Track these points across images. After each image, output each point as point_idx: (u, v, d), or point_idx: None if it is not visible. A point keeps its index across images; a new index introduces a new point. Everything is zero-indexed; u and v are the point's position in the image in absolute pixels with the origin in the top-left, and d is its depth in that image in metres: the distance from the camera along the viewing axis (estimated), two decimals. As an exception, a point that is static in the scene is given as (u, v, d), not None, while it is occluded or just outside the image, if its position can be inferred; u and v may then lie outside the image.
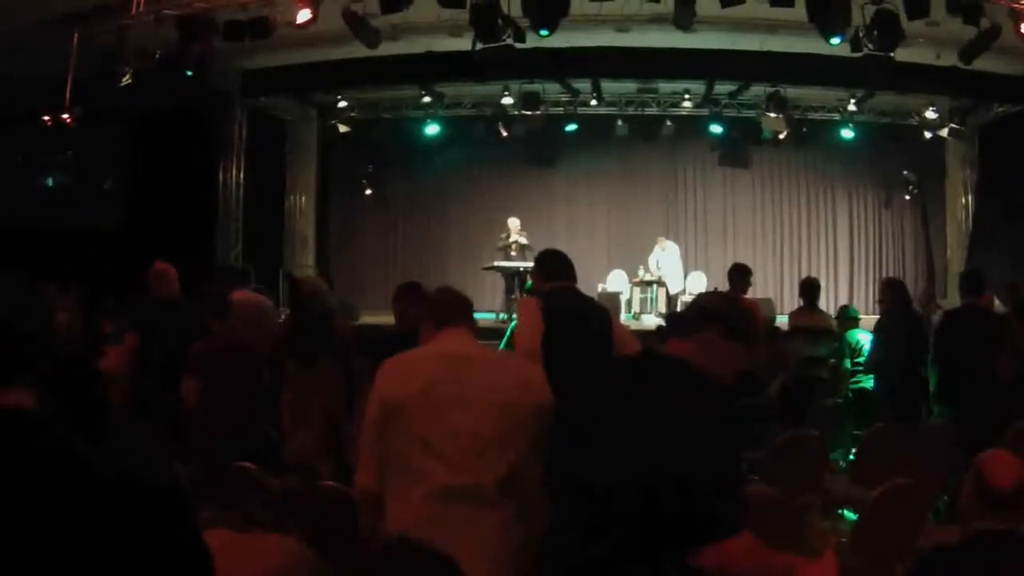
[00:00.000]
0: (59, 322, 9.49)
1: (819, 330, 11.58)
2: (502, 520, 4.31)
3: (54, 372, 2.20)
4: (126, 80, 15.37)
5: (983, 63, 14.82)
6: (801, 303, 12.26)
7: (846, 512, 7.93)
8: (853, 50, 13.71)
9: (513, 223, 20.86)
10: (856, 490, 7.74)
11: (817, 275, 22.54)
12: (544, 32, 13.35)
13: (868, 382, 11.42)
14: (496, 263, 20.16)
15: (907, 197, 23.06)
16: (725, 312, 3.84)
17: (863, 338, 11.80)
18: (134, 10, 14.43)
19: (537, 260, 7.48)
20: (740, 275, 12.11)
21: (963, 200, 21.38)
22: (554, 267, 7.18)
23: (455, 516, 4.25)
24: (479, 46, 13.84)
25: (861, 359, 11.50)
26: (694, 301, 4.22)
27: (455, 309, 4.97)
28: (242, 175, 20.51)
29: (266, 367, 8.08)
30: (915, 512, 6.33)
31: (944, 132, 20.60)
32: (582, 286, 8.96)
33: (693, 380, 3.69)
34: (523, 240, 20.69)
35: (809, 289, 12.17)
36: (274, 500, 5.04)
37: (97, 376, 8.00)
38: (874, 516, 6.12)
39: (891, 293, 10.79)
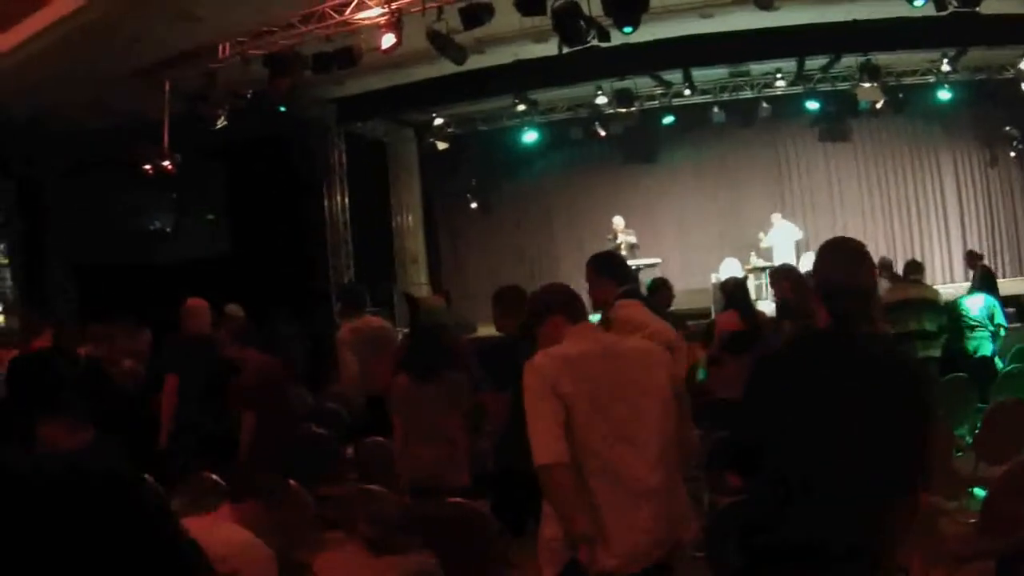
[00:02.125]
0: (124, 369, 9.96)
1: (920, 301, 11.36)
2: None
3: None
4: (221, 122, 15.66)
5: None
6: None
7: (975, 490, 7.74)
8: (938, 9, 13.42)
9: (618, 221, 20.83)
10: (983, 467, 7.59)
11: (929, 242, 22.34)
12: (628, 30, 13.28)
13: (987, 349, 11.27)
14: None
15: (1012, 154, 22.49)
16: None
17: (972, 303, 11.63)
18: (221, 54, 14.68)
19: (604, 265, 7.42)
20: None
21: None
22: (622, 270, 7.52)
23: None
24: (564, 50, 13.83)
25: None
26: None
27: (581, 304, 5.12)
28: (347, 199, 20.76)
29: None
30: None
31: (1043, 84, 20.12)
32: (696, 277, 9.21)
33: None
34: (631, 239, 20.66)
35: (909, 268, 12.01)
36: (401, 520, 5.13)
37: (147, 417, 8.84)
38: (1002, 494, 5.98)
39: None
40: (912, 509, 3.94)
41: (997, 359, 11.76)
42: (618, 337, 5.42)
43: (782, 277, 10.54)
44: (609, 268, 7.36)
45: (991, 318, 11.77)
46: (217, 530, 4.60)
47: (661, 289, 11.68)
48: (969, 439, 9.28)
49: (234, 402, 8.42)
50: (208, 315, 9.51)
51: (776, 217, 21.39)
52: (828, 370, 3.91)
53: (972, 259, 16.39)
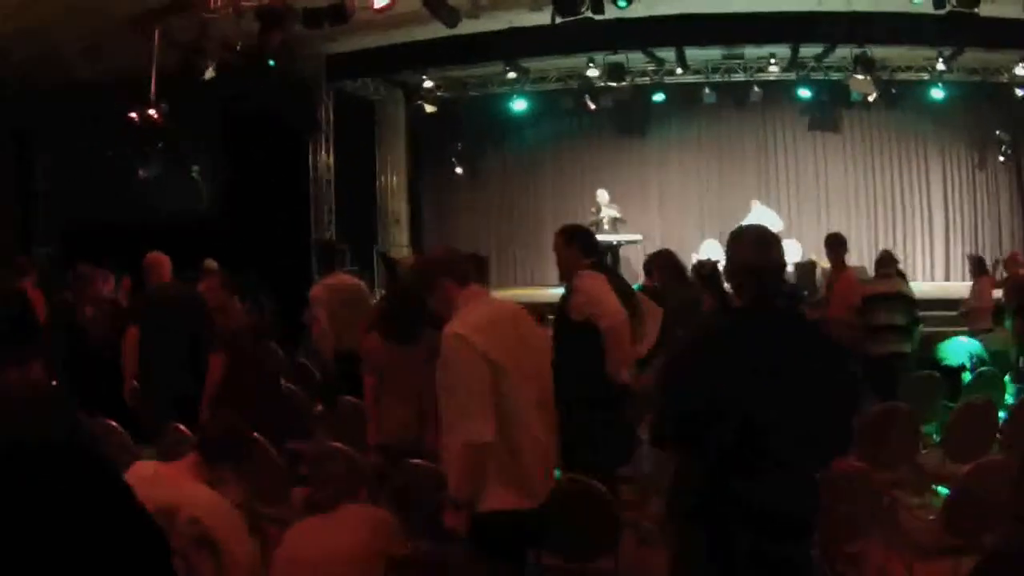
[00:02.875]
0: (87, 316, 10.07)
1: (894, 295, 11.39)
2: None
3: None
4: (209, 73, 15.58)
5: (1074, 14, 14.45)
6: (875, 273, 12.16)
7: (940, 488, 7.77)
8: (936, 7, 13.41)
9: (602, 196, 20.87)
10: (949, 465, 7.62)
11: (912, 239, 22.37)
12: (622, 3, 13.25)
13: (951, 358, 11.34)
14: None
15: (1000, 158, 22.48)
16: None
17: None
18: (212, 4, 14.57)
19: (574, 235, 7.62)
20: (836, 244, 12.07)
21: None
22: (592, 243, 7.74)
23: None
24: (558, 20, 13.78)
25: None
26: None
27: (466, 266, 5.34)
28: (331, 158, 20.67)
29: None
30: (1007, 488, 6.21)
31: (1035, 89, 20.13)
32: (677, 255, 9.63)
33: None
34: (614, 213, 20.73)
35: (882, 261, 12.03)
36: (364, 477, 5.15)
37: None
38: (966, 492, 6.01)
39: None
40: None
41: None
42: (506, 300, 5.77)
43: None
44: (578, 238, 7.53)
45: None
46: (184, 485, 4.60)
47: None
48: (937, 437, 9.32)
49: (210, 348, 8.48)
50: (169, 269, 9.49)
51: (755, 203, 21.41)
52: (759, 345, 4.15)
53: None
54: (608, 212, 20.78)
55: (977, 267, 14.90)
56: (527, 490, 4.97)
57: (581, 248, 7.44)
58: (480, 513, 4.85)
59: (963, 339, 12.01)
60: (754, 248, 4.34)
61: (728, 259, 4.45)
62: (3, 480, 2.48)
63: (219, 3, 14.56)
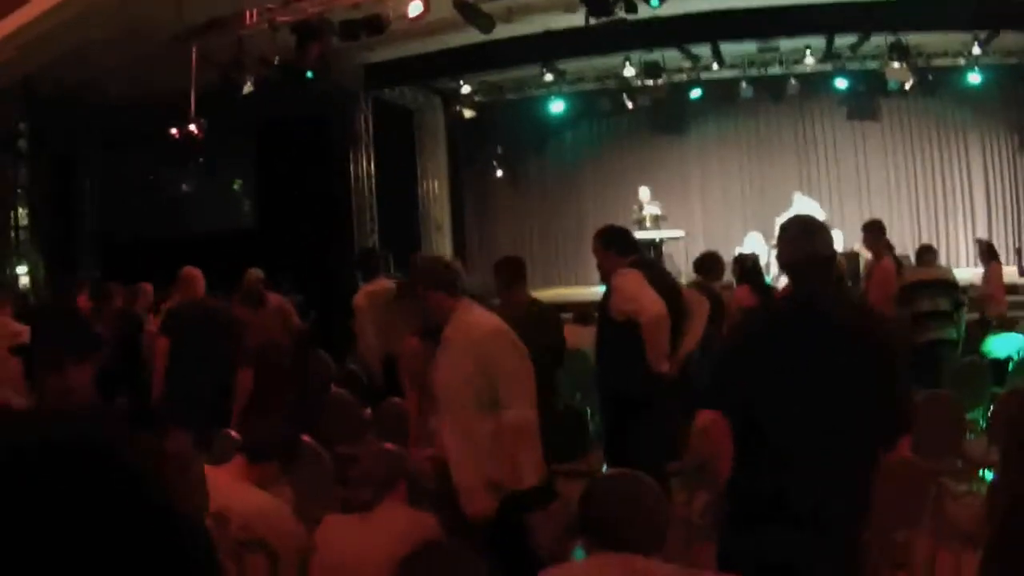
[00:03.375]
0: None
1: (935, 281, 11.36)
2: None
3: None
4: (248, 88, 15.72)
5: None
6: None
7: (987, 473, 7.77)
8: (972, -10, 13.38)
9: (644, 193, 20.88)
10: (995, 452, 7.61)
11: (955, 226, 22.21)
12: (655, 3, 13.28)
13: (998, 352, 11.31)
14: (637, 235, 20.23)
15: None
16: None
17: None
18: (248, 20, 14.71)
19: (612, 237, 7.78)
20: (874, 230, 12.07)
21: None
22: (629, 242, 7.82)
23: None
24: (591, 21, 13.83)
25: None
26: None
27: (459, 278, 5.99)
28: (372, 166, 20.80)
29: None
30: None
31: (1074, 71, 20.01)
32: (720, 250, 9.69)
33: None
34: (656, 210, 20.74)
35: (922, 251, 12.04)
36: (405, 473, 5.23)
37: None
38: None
39: None
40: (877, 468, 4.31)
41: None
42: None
43: None
44: (615, 241, 7.60)
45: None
46: (234, 489, 4.65)
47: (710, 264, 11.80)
48: (983, 423, 9.31)
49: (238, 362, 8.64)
50: (202, 283, 9.67)
51: (797, 195, 21.36)
52: (796, 340, 4.24)
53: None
54: (650, 209, 20.79)
55: (987, 253, 14.84)
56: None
57: (618, 249, 7.53)
58: (519, 491, 5.44)
59: (1011, 335, 11.98)
60: (798, 239, 4.43)
61: (778, 253, 4.57)
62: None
63: (255, 19, 14.71)
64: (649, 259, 7.69)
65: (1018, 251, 16.84)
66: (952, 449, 7.74)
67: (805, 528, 4.07)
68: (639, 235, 19.36)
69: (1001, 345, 11.57)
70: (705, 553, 6.05)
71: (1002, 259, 15.92)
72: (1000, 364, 11.04)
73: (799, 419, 4.10)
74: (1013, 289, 15.54)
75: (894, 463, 5.63)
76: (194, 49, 15.34)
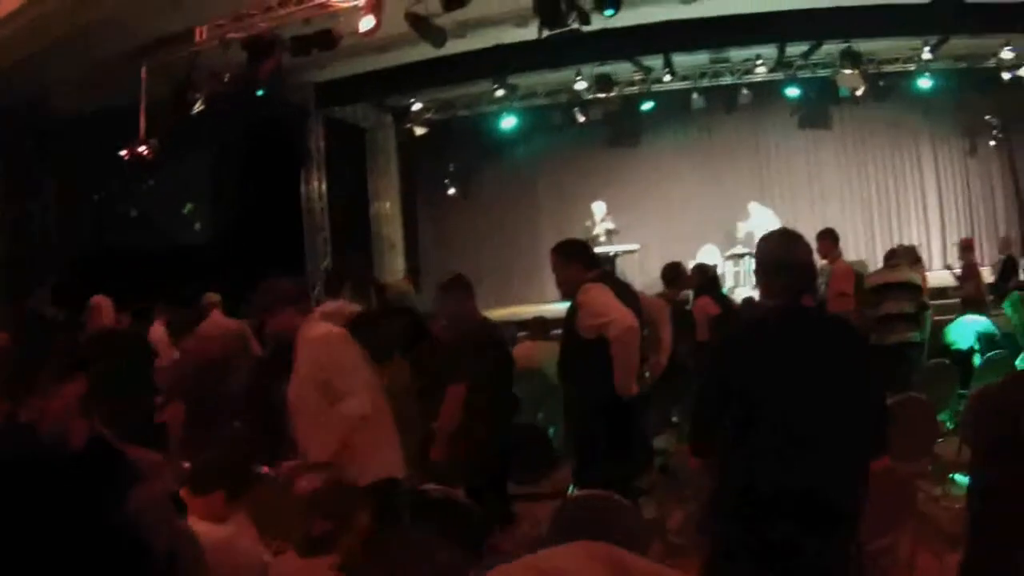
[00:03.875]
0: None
1: (899, 284, 11.38)
2: None
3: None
4: (199, 107, 15.56)
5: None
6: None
7: (957, 476, 7.73)
8: (922, -5, 13.44)
9: (598, 209, 20.85)
10: (967, 453, 7.56)
11: (909, 231, 22.35)
12: (609, 12, 13.22)
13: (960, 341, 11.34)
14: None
15: (992, 143, 22.50)
16: None
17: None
18: (199, 37, 14.58)
19: (573, 250, 7.59)
20: (825, 237, 12.08)
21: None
22: (591, 255, 7.64)
23: None
24: (545, 33, 13.77)
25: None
26: None
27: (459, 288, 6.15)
28: (324, 185, 20.65)
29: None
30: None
31: (1023, 71, 20.12)
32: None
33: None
34: (610, 225, 20.71)
35: (891, 254, 12.10)
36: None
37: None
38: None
39: None
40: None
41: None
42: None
43: None
44: (574, 253, 7.49)
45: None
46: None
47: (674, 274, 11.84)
48: (950, 424, 9.29)
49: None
50: (110, 311, 9.58)
51: (753, 205, 21.45)
52: (791, 346, 4.30)
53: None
54: (603, 225, 20.77)
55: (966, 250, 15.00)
56: None
57: (581, 262, 7.38)
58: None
59: (970, 319, 12.00)
60: (781, 245, 4.52)
61: (758, 258, 4.61)
62: None
63: (205, 35, 14.57)
64: (612, 273, 7.57)
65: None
66: (925, 451, 7.69)
67: (812, 529, 4.08)
68: (602, 250, 19.42)
69: (961, 334, 11.61)
70: (684, 571, 5.94)
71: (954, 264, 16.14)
72: (963, 357, 11.09)
73: (805, 424, 4.14)
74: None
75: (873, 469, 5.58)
76: (143, 68, 15.18)
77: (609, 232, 20.77)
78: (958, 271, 14.83)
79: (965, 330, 11.67)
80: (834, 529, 4.19)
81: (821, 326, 4.52)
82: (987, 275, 15.56)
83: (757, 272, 4.61)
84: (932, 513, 6.36)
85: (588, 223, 20.79)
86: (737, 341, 4.55)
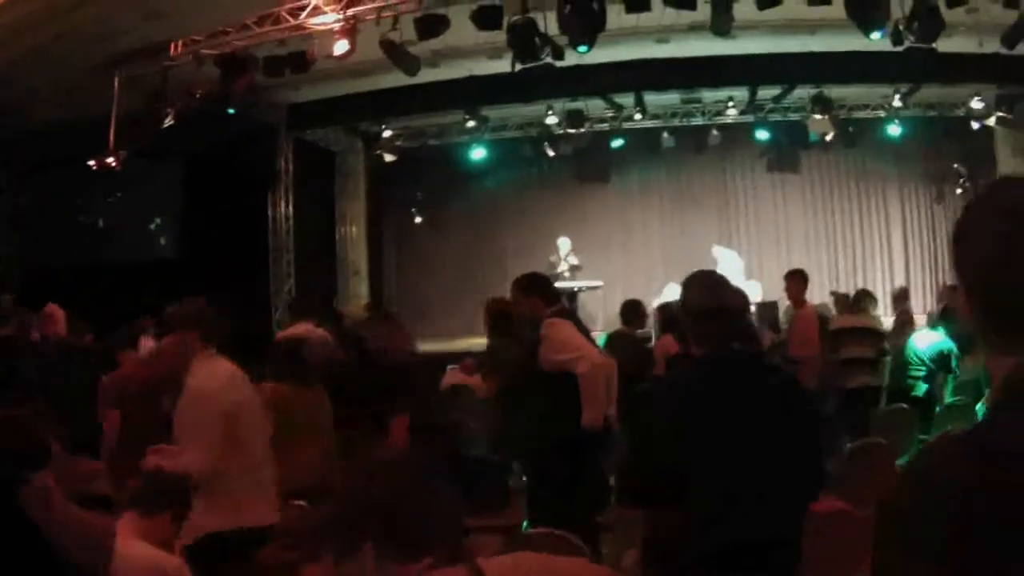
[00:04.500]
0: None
1: (861, 329, 11.42)
2: None
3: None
4: (168, 121, 15.50)
5: (1026, 47, 14.57)
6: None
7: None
8: (895, 43, 13.53)
9: (564, 244, 20.85)
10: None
11: (873, 275, 22.45)
12: (583, 49, 13.23)
13: (920, 389, 11.31)
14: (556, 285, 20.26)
15: (959, 191, 22.65)
16: None
17: (920, 341, 11.60)
18: (173, 51, 14.55)
19: (534, 284, 7.65)
20: (794, 279, 12.10)
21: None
22: (552, 290, 7.76)
23: None
24: (518, 67, 13.79)
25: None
26: None
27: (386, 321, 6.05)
28: (291, 208, 20.53)
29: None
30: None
31: (991, 121, 20.32)
32: (639, 299, 9.59)
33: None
34: (574, 261, 20.71)
35: (857, 297, 12.12)
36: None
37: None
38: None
39: None
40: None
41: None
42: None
43: None
44: (537, 287, 7.54)
45: (941, 360, 11.66)
46: (124, 547, 4.38)
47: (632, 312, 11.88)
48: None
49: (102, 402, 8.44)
50: (63, 321, 9.55)
51: (716, 248, 21.49)
52: (728, 393, 4.18)
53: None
54: (569, 261, 20.77)
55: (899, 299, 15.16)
56: None
57: (542, 296, 7.41)
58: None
59: (929, 335, 11.96)
60: (706, 291, 4.38)
61: (682, 305, 4.48)
62: None
63: (180, 50, 14.55)
64: (571, 309, 7.59)
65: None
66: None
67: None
68: (557, 285, 19.38)
69: (924, 340, 11.62)
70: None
71: (919, 309, 16.20)
72: (923, 403, 11.12)
73: (736, 474, 4.02)
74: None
75: (828, 514, 5.56)
76: (116, 78, 15.12)
77: (573, 268, 20.75)
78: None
79: (926, 352, 11.65)
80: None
81: (752, 373, 4.41)
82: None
83: (683, 320, 4.57)
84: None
85: (553, 258, 20.78)
86: (666, 394, 4.49)
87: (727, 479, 3.99)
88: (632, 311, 11.94)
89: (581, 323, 7.73)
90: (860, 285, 21.29)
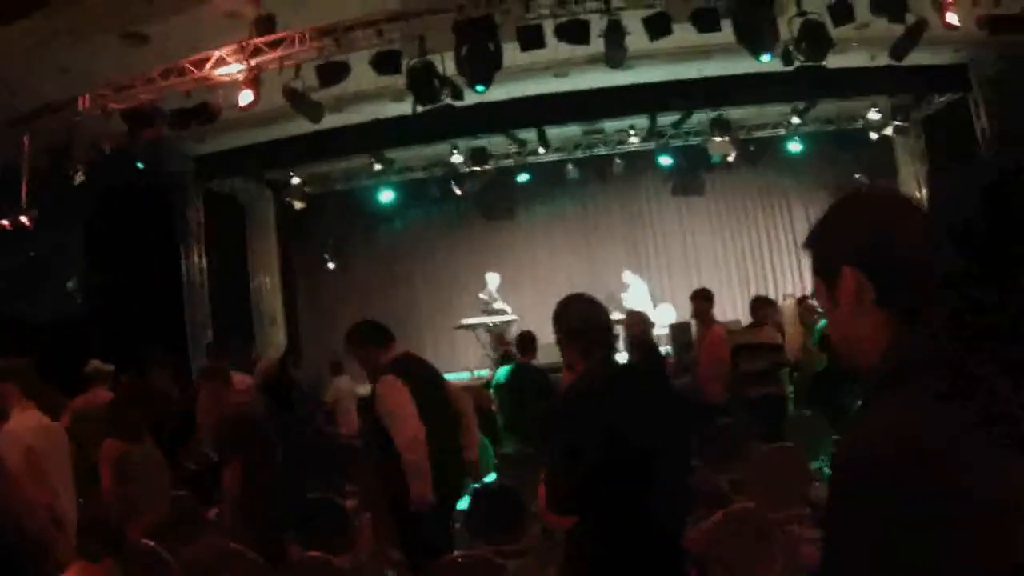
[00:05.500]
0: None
1: (757, 345, 11.69)
2: None
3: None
4: (79, 178, 15.46)
5: (916, 57, 14.93)
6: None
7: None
8: (785, 64, 13.85)
9: (492, 280, 21.08)
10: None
11: (785, 288, 22.73)
12: (480, 88, 13.42)
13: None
14: (470, 320, 20.43)
15: (859, 196, 22.99)
16: None
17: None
18: (81, 106, 14.53)
19: (363, 335, 7.60)
20: (700, 299, 12.33)
21: (917, 194, 21.37)
22: (385, 333, 7.54)
23: None
24: (419, 109, 13.95)
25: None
26: None
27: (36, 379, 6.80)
28: (204, 260, 20.47)
29: None
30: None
31: (889, 131, 20.85)
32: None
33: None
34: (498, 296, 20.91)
35: (753, 307, 12.36)
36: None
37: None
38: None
39: None
40: None
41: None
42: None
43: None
44: (366, 335, 7.55)
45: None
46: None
47: (527, 343, 12.11)
48: (827, 470, 9.56)
49: None
50: None
51: (627, 274, 21.86)
52: (620, 404, 4.53)
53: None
54: (498, 295, 20.98)
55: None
56: None
57: (377, 341, 7.42)
58: None
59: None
60: (584, 309, 4.84)
61: (562, 324, 4.85)
62: None
63: (87, 105, 14.53)
64: (414, 357, 7.37)
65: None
66: (800, 497, 7.93)
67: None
68: (480, 320, 19.59)
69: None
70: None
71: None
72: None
73: (644, 472, 4.36)
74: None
75: (741, 513, 5.82)
76: (26, 137, 15.07)
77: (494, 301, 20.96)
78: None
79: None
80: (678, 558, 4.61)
81: (637, 378, 5.08)
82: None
83: (561, 338, 4.84)
84: (811, 556, 6.56)
85: (483, 294, 20.95)
86: (572, 403, 4.69)
87: (631, 472, 4.32)
88: (526, 342, 12.20)
89: (429, 375, 7.64)
90: (774, 297, 21.75)
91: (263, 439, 7.46)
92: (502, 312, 20.79)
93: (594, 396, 4.54)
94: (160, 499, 7.62)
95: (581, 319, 4.76)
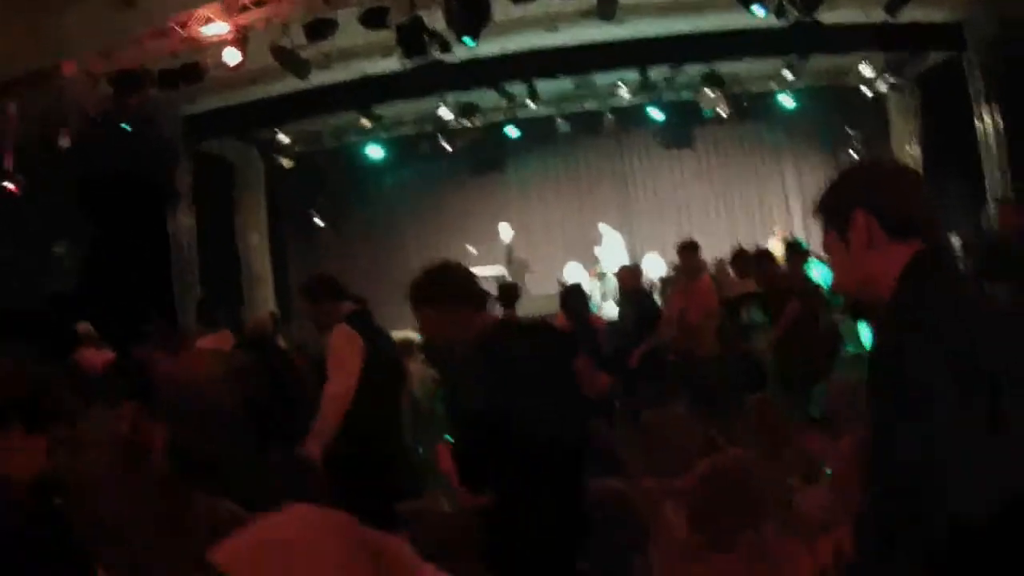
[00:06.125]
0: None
1: (750, 295, 11.70)
2: None
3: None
4: (65, 143, 15.38)
5: (910, 13, 14.89)
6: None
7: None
8: (778, 17, 13.80)
9: (504, 229, 21.28)
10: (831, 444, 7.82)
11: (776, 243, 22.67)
12: (469, 41, 13.37)
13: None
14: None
15: (853, 154, 23.01)
16: None
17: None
18: (66, 71, 14.45)
19: (317, 290, 7.61)
20: (687, 250, 12.30)
21: (910, 151, 21.36)
22: (338, 286, 7.66)
23: None
24: (407, 64, 13.89)
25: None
26: None
27: None
28: (193, 220, 20.38)
29: None
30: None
31: (883, 87, 20.77)
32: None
33: None
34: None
35: (735, 261, 12.36)
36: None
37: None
38: (847, 463, 6.23)
39: None
40: None
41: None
42: None
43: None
44: (319, 289, 7.58)
45: None
46: None
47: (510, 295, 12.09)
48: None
49: None
50: None
51: (602, 226, 22.01)
52: (520, 360, 4.77)
53: None
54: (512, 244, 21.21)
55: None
56: None
57: (332, 296, 7.46)
58: None
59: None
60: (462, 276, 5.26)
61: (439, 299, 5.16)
62: None
63: (72, 70, 14.44)
64: (366, 314, 7.24)
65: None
66: (787, 445, 7.94)
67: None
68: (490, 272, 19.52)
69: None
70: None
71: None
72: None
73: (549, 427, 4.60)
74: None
75: (732, 461, 5.84)
76: (11, 104, 14.97)
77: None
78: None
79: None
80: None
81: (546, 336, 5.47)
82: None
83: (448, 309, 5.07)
84: (797, 503, 6.56)
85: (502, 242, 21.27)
86: (463, 372, 5.04)
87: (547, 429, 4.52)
88: (508, 294, 12.25)
89: (378, 333, 7.70)
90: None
91: None
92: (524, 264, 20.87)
93: (481, 363, 4.74)
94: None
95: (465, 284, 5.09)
